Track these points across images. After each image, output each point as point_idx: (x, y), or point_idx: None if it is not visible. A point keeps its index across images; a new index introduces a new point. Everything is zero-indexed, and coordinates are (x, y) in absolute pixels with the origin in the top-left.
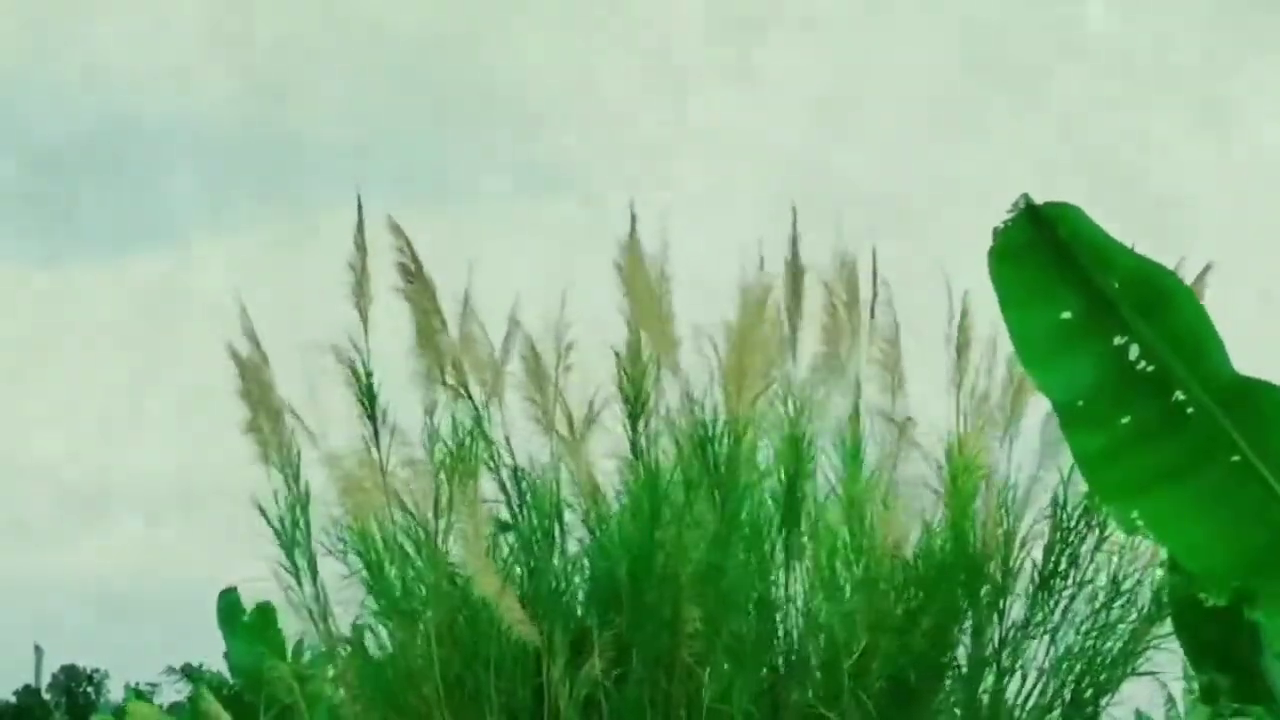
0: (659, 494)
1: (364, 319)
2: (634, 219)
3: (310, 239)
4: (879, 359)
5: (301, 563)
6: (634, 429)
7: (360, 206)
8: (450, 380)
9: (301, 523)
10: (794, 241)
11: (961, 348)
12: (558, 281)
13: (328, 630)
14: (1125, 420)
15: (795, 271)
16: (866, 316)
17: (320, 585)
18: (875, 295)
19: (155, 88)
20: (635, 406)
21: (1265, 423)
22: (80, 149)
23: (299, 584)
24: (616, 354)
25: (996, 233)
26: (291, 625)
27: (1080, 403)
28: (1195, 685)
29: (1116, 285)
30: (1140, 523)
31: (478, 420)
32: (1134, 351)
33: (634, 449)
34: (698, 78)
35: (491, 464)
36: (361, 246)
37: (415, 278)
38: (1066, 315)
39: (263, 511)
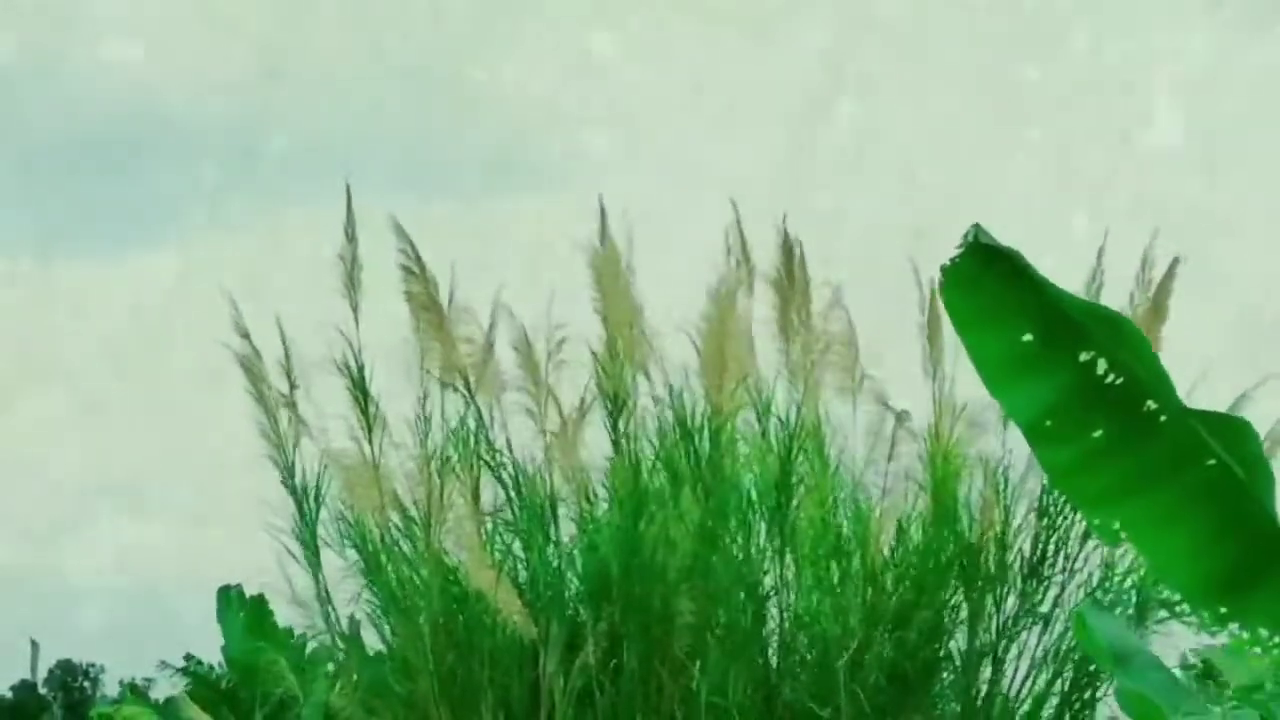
0: (642, 489)
1: (355, 312)
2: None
3: (306, 235)
4: (862, 352)
5: (305, 556)
6: (615, 426)
7: (349, 199)
8: (449, 378)
9: (305, 516)
10: (742, 238)
11: (932, 336)
12: (543, 279)
13: (329, 623)
14: (1096, 434)
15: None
16: (841, 310)
17: (322, 578)
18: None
19: (155, 84)
20: (615, 404)
21: (1226, 441)
22: (80, 145)
23: (312, 576)
24: (594, 353)
25: (945, 270)
26: (292, 618)
27: (1048, 422)
28: (1193, 673)
29: (1074, 312)
30: (1123, 534)
31: (479, 417)
32: (1101, 365)
33: (616, 445)
34: (684, 79)
35: (486, 460)
36: (352, 238)
37: (417, 276)
38: (1027, 338)
39: (293, 494)
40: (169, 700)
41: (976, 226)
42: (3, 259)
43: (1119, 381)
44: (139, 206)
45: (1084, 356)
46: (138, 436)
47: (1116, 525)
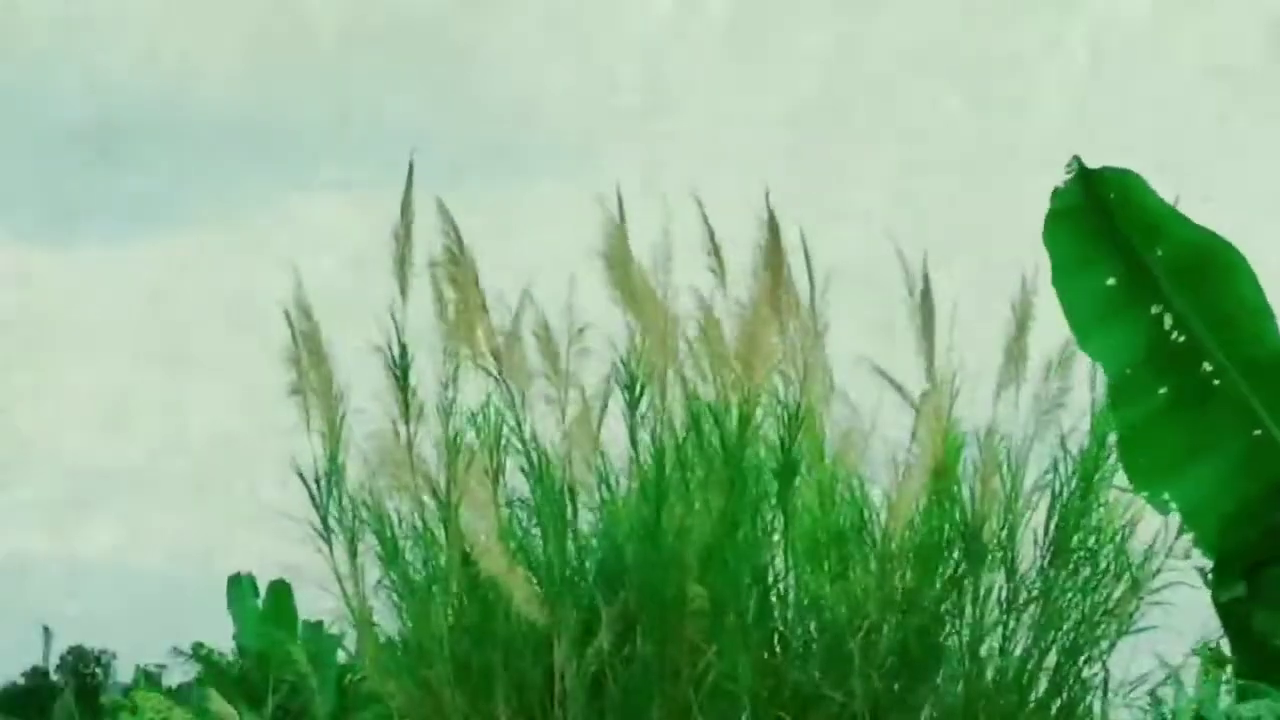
0: (661, 475)
1: (404, 291)
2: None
3: (316, 219)
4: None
5: (335, 536)
6: (633, 412)
7: (410, 176)
8: (484, 363)
9: (336, 493)
10: (772, 218)
11: (928, 313)
12: (564, 263)
13: (361, 605)
14: (1163, 391)
15: (775, 246)
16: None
17: (340, 564)
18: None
19: (170, 74)
20: (634, 390)
21: None
22: (100, 131)
23: (331, 561)
24: (623, 341)
25: (1054, 195)
26: (308, 604)
27: (1128, 371)
28: (1201, 657)
29: (1160, 253)
30: (1173, 505)
31: (510, 402)
32: (1168, 321)
33: (633, 432)
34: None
35: (509, 445)
36: (408, 216)
37: (459, 260)
38: (1111, 282)
39: (304, 479)
40: (188, 684)
41: (1077, 158)
42: (19, 243)
43: (1182, 339)
44: (151, 191)
45: (1155, 309)
46: (151, 421)
47: (1166, 496)
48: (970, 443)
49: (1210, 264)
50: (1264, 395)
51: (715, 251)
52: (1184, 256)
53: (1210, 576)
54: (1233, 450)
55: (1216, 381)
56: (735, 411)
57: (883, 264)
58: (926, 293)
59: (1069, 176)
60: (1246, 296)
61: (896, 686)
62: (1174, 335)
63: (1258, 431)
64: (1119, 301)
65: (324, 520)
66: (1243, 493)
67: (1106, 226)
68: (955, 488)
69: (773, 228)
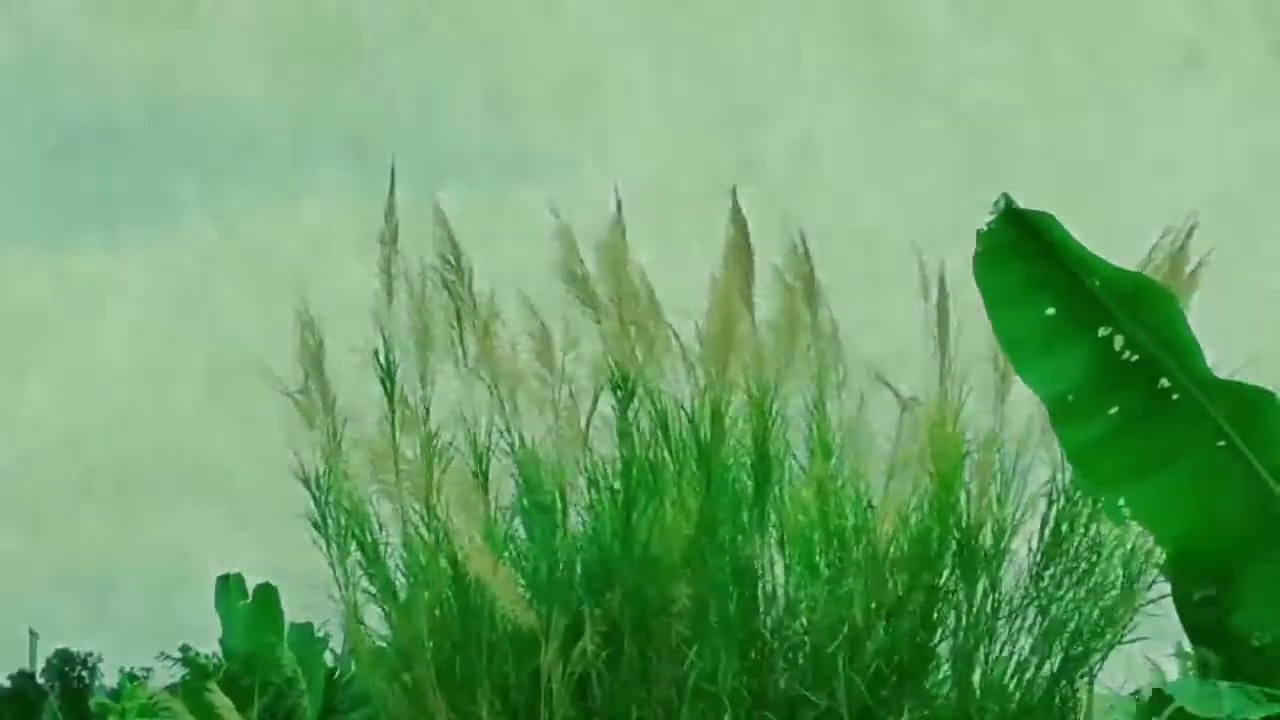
0: (641, 475)
1: (389, 296)
2: (619, 207)
3: (311, 225)
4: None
5: (333, 540)
6: (622, 412)
7: (392, 181)
8: (477, 368)
9: (336, 496)
10: (740, 215)
11: (940, 319)
12: (545, 267)
13: (354, 607)
14: (1113, 411)
15: (746, 247)
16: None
17: (328, 566)
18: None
19: (165, 72)
20: (622, 392)
21: (1244, 415)
22: (90, 133)
23: (328, 564)
24: (602, 339)
25: (980, 235)
26: (295, 606)
27: (1070, 397)
28: (1188, 660)
29: (1098, 283)
30: (1127, 511)
31: (501, 408)
32: (1119, 342)
33: (619, 432)
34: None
35: (492, 447)
36: (392, 223)
37: (453, 265)
38: (1050, 311)
39: (306, 484)
40: (175, 686)
41: (1005, 195)
42: (17, 246)
43: (1135, 358)
44: (149, 195)
45: (1103, 331)
46: (141, 425)
47: (1121, 502)
48: (969, 448)
49: (1143, 294)
50: (1224, 408)
51: (740, 252)
52: (1120, 288)
53: (1174, 578)
54: (1196, 460)
55: (1175, 396)
56: (708, 409)
57: (883, 263)
58: (943, 300)
59: (994, 215)
60: (1182, 328)
61: (884, 692)
62: (1126, 355)
63: (1221, 442)
64: (1060, 329)
65: (323, 521)
66: (1210, 500)
67: (1042, 258)
68: (952, 495)
69: (739, 224)
